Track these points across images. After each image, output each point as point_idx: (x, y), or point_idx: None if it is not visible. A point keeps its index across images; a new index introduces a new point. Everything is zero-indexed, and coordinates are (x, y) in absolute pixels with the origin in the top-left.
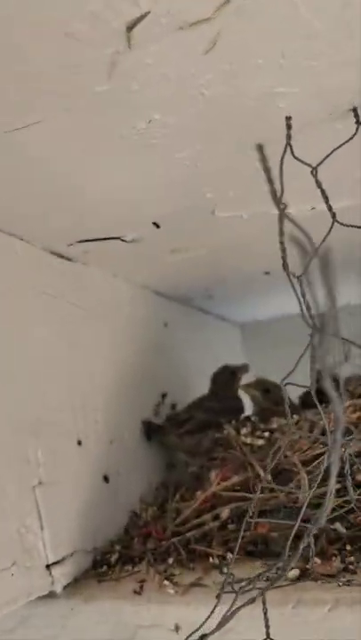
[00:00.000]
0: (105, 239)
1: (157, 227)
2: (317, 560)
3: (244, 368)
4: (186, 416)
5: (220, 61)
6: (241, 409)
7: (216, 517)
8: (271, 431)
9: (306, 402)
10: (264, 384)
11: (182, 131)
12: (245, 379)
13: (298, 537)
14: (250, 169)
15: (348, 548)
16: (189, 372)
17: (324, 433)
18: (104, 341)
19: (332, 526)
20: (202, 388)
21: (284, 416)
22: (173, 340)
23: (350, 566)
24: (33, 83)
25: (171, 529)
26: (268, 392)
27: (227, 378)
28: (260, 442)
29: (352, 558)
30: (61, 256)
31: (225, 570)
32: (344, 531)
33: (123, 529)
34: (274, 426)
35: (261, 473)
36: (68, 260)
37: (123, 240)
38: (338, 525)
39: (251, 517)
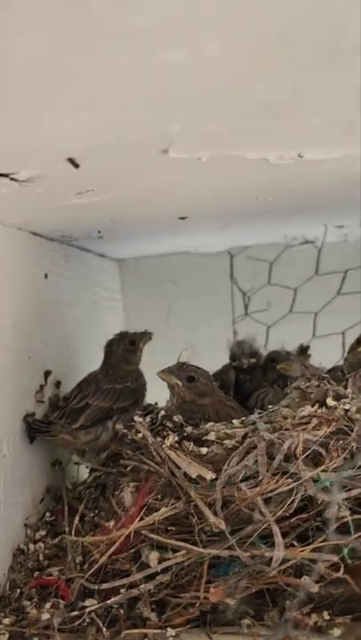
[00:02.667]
0: None
1: (75, 165)
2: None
3: (146, 336)
4: (79, 404)
5: None
6: (143, 387)
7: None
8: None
9: (225, 383)
10: (188, 370)
11: None
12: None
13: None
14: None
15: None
16: (74, 336)
17: (288, 458)
18: None
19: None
20: (89, 354)
21: (208, 412)
22: (55, 295)
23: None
24: None
25: (78, 584)
26: (192, 380)
27: (125, 348)
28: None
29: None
30: None
31: None
32: (316, 588)
33: (4, 576)
34: (211, 437)
35: (209, 515)
36: None
37: (13, 179)
38: (307, 580)
39: (199, 579)
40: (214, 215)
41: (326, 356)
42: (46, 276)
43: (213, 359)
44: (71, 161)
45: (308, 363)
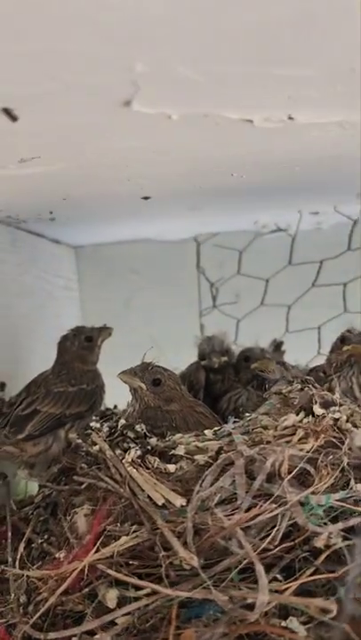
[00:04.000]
0: None
1: (13, 118)
2: None
3: (105, 332)
4: (27, 410)
5: None
6: (101, 390)
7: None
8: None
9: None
10: (153, 372)
11: None
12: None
13: None
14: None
15: None
16: (22, 330)
17: (270, 478)
18: None
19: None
20: (40, 351)
21: (175, 420)
22: (1, 284)
23: None
24: None
25: (22, 631)
26: (158, 384)
27: (81, 345)
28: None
29: None
30: None
31: None
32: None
33: None
34: (180, 451)
35: (178, 549)
36: None
37: None
38: (295, 623)
39: (167, 625)
40: (182, 195)
41: (301, 352)
42: None
43: (178, 356)
44: (7, 112)
45: (288, 363)
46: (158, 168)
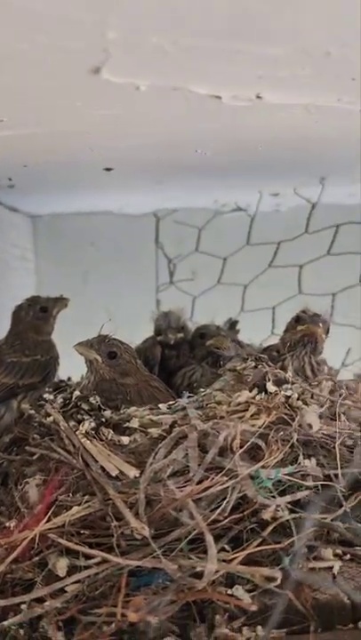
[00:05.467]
0: None
1: None
2: None
3: (60, 302)
4: None
5: None
6: (55, 361)
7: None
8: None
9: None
10: (109, 345)
11: None
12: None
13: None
14: None
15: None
16: None
17: (222, 452)
18: None
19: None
20: None
21: (130, 394)
22: None
23: None
24: None
25: None
26: (114, 357)
27: (35, 315)
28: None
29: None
30: None
31: None
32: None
33: None
34: (134, 423)
35: (130, 519)
36: None
37: None
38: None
39: (116, 593)
40: (144, 169)
41: (255, 331)
42: None
43: (134, 330)
44: None
45: (242, 341)
46: (123, 139)
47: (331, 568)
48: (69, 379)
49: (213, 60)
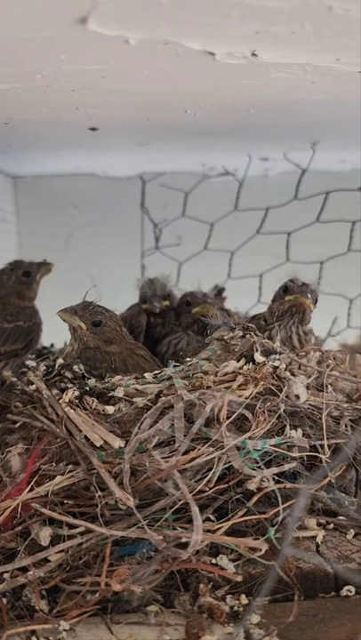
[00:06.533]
0: None
1: None
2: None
3: (44, 267)
4: None
5: None
6: (38, 328)
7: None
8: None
9: (135, 328)
10: (94, 312)
11: None
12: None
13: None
14: None
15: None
16: None
17: (208, 423)
18: None
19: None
20: None
21: (115, 362)
22: None
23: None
24: None
25: None
26: (98, 324)
27: (18, 280)
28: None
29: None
30: None
31: None
32: (239, 578)
33: None
34: (119, 393)
35: (114, 489)
36: None
37: None
38: (225, 561)
39: (100, 562)
40: (131, 129)
41: (241, 299)
42: None
43: (118, 296)
44: None
45: (230, 310)
46: (110, 97)
47: (314, 537)
48: (52, 345)
49: (208, 13)
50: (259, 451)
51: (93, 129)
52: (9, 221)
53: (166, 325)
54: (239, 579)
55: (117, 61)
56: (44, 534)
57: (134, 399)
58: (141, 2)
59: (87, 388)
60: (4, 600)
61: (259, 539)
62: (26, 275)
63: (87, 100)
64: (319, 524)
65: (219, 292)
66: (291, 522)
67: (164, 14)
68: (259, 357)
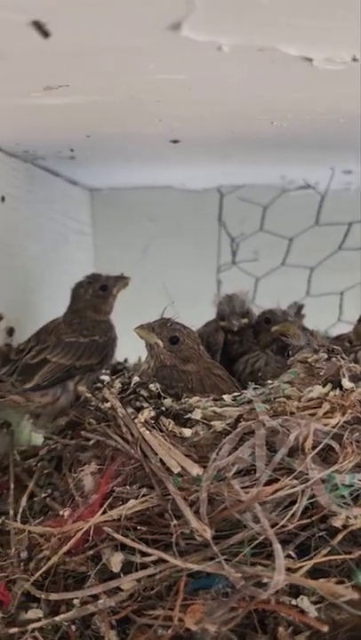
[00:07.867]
0: None
1: (44, 34)
2: None
3: (121, 281)
4: (36, 359)
5: None
6: (113, 343)
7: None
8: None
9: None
10: (172, 329)
11: None
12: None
13: None
14: None
15: None
16: (32, 274)
17: (292, 452)
18: None
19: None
20: (51, 296)
21: (192, 381)
22: (13, 223)
23: None
24: None
25: (22, 588)
26: (176, 342)
27: (95, 294)
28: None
29: None
30: None
31: None
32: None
33: None
34: (196, 415)
35: (191, 519)
36: None
37: None
38: (306, 603)
39: (174, 595)
40: (212, 141)
41: (321, 317)
42: (3, 198)
43: (193, 311)
44: (37, 26)
45: (313, 329)
46: (195, 108)
47: None
48: (126, 360)
49: (312, 14)
50: (348, 487)
51: (175, 141)
52: (86, 233)
53: (244, 343)
54: (325, 629)
55: (207, 70)
56: (116, 560)
57: (212, 422)
58: (239, 4)
59: (163, 409)
60: (73, 627)
61: (343, 580)
62: (103, 288)
63: (171, 112)
64: None
65: (298, 309)
66: None
67: (262, 17)
68: (347, 383)
